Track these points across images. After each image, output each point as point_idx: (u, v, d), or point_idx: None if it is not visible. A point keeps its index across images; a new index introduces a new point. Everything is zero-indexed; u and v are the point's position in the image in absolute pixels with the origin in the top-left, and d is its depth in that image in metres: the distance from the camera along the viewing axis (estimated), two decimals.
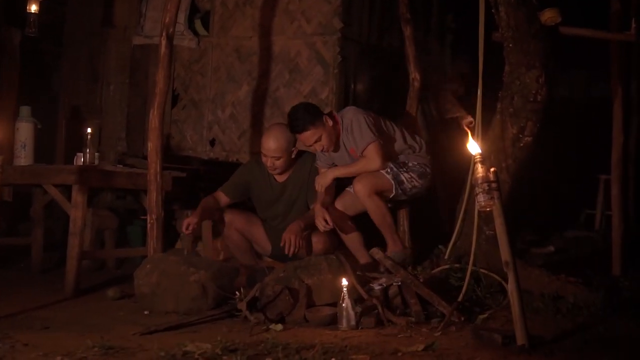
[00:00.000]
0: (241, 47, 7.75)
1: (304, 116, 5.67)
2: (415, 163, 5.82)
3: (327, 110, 6.98)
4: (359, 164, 5.69)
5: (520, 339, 3.61)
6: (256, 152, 7.42)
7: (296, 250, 5.52)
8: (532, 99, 4.97)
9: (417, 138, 5.97)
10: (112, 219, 7.53)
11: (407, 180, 5.71)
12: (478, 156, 3.69)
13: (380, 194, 5.63)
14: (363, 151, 5.62)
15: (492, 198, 3.63)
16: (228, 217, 6.01)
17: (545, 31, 4.97)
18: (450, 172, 7.49)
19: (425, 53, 7.95)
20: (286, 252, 5.51)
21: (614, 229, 5.91)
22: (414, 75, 6.39)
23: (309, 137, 5.67)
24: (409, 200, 6.02)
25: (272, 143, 5.70)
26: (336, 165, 5.90)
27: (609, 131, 6.13)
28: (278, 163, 5.75)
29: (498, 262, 4.99)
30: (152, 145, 5.71)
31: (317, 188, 5.70)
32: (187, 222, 5.65)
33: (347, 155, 5.80)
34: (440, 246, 5.58)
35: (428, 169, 5.84)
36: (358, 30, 7.73)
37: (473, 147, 3.76)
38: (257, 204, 6.13)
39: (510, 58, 5.03)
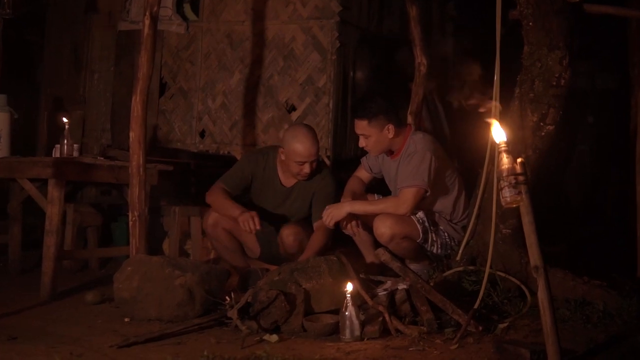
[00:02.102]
0: (233, 33, 7.38)
1: (370, 107, 5.09)
2: (445, 231, 5.20)
3: (325, 99, 6.61)
4: (386, 203, 5.11)
5: (553, 355, 3.12)
6: (248, 145, 7.04)
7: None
8: (554, 83, 4.48)
9: (467, 212, 5.17)
10: (95, 215, 7.07)
11: (430, 242, 5.10)
12: (503, 145, 3.19)
13: (404, 238, 5.02)
14: (402, 189, 5.01)
15: (519, 193, 3.14)
16: (214, 216, 5.48)
17: (569, 7, 4.49)
18: (459, 164, 7.07)
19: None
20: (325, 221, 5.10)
21: (639, 228, 5.43)
22: (420, 59, 5.92)
23: (359, 126, 5.14)
24: None
25: (313, 146, 5.21)
26: (381, 173, 5.44)
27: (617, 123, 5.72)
28: (314, 165, 5.29)
29: (515, 264, 4.60)
30: (135, 135, 5.23)
31: (326, 221, 5.08)
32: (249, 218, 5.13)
33: (394, 173, 5.23)
34: (448, 249, 5.09)
35: (453, 243, 5.16)
36: (357, 14, 7.33)
37: (497, 133, 3.27)
38: (257, 201, 5.61)
39: (530, 38, 4.55)
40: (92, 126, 8.05)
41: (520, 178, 3.15)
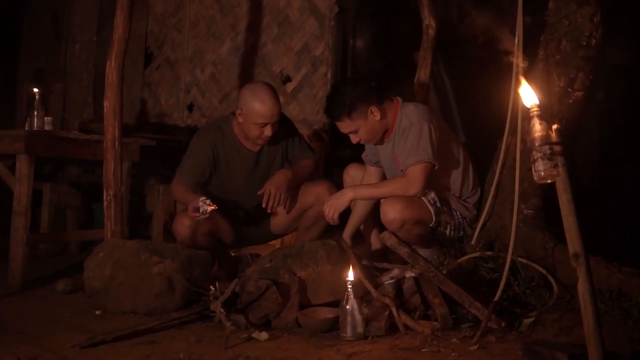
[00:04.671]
0: None
1: (342, 101, 4.40)
2: (457, 210, 4.59)
3: (322, 69, 6.14)
4: (393, 184, 4.44)
5: None
6: None
7: (277, 205, 4.53)
8: (584, 43, 3.96)
9: (477, 183, 4.67)
10: (73, 195, 6.58)
11: (443, 225, 4.50)
12: (535, 108, 2.65)
13: (415, 224, 4.41)
14: (407, 168, 4.37)
15: (555, 166, 2.60)
16: (185, 224, 4.58)
17: None
18: (469, 140, 6.56)
19: None
20: (264, 205, 4.52)
21: None
22: (428, 21, 5.33)
23: (342, 127, 4.50)
24: None
25: (275, 105, 4.50)
26: (379, 161, 4.80)
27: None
28: (277, 126, 4.60)
29: (538, 249, 4.08)
30: (109, 105, 4.69)
31: (328, 214, 4.43)
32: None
33: (390, 154, 4.61)
34: (461, 231, 4.54)
35: (465, 224, 4.57)
36: None
37: (528, 96, 2.73)
38: (225, 184, 4.85)
39: None
40: (74, 100, 7.67)
41: (557, 148, 2.61)
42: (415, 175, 4.29)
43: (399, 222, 4.25)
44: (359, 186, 4.61)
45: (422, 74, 5.39)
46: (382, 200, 4.38)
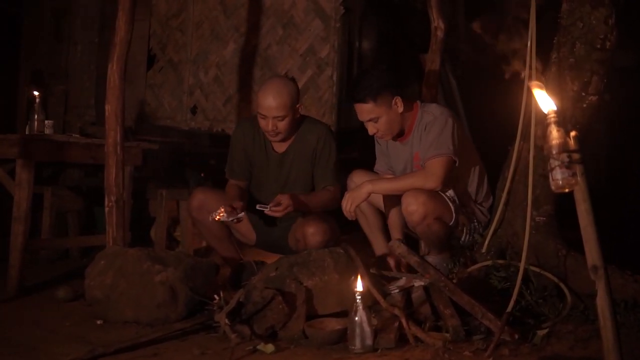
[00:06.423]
0: None
1: (370, 84, 4.31)
2: (473, 214, 4.52)
3: (328, 71, 6.07)
4: (412, 177, 4.33)
5: None
6: None
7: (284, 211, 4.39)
8: (599, 46, 3.85)
9: (489, 189, 4.60)
10: (74, 199, 6.46)
11: (460, 226, 4.42)
12: (552, 115, 2.55)
13: (436, 219, 4.31)
14: (428, 161, 4.28)
15: (574, 174, 2.50)
16: (198, 197, 4.71)
17: None
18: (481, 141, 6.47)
19: None
20: (270, 209, 4.39)
21: None
22: (437, 23, 5.21)
23: (364, 111, 4.37)
24: None
25: (274, 99, 4.42)
26: (391, 167, 4.71)
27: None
28: (281, 125, 4.48)
29: (551, 257, 3.98)
30: (111, 108, 4.59)
31: (347, 206, 4.32)
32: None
33: (407, 156, 4.53)
34: (475, 235, 4.44)
35: (481, 229, 4.48)
36: None
37: (545, 102, 2.62)
38: (253, 180, 4.87)
39: None
40: (75, 102, 7.58)
41: (575, 156, 2.51)
42: (435, 168, 4.21)
43: (422, 215, 4.17)
44: (377, 180, 4.48)
45: (431, 76, 5.27)
46: (405, 192, 4.28)
